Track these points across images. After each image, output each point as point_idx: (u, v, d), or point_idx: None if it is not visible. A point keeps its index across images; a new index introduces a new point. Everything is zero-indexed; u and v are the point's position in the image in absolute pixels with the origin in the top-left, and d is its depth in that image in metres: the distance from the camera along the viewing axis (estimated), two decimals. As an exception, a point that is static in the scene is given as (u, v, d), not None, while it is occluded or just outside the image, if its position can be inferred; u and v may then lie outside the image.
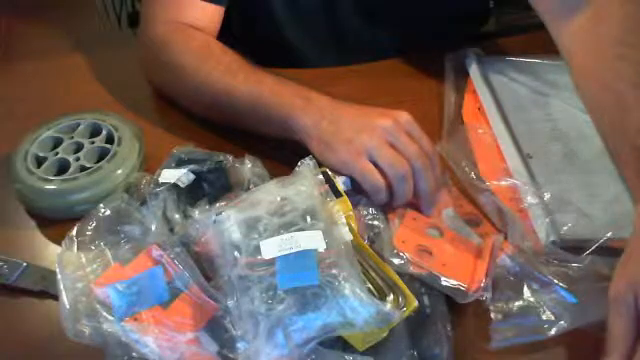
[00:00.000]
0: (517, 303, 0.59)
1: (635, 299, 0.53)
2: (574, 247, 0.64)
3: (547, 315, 0.59)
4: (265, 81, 0.73)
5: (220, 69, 0.75)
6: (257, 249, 0.54)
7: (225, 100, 0.74)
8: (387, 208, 0.66)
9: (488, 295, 0.59)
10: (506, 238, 0.65)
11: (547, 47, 0.76)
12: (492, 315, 0.59)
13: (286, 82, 0.73)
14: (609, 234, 0.64)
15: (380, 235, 0.62)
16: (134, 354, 0.53)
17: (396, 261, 0.59)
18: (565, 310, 0.59)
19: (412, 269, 0.59)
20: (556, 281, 0.61)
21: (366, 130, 0.66)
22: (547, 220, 0.66)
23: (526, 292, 0.60)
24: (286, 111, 0.70)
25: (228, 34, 0.86)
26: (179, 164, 0.68)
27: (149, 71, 0.86)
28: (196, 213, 0.61)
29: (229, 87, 0.74)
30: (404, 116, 0.67)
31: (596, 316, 0.57)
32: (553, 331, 0.58)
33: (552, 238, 0.65)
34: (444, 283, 0.59)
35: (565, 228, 0.66)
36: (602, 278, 0.60)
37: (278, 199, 0.58)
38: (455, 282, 0.59)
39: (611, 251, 0.63)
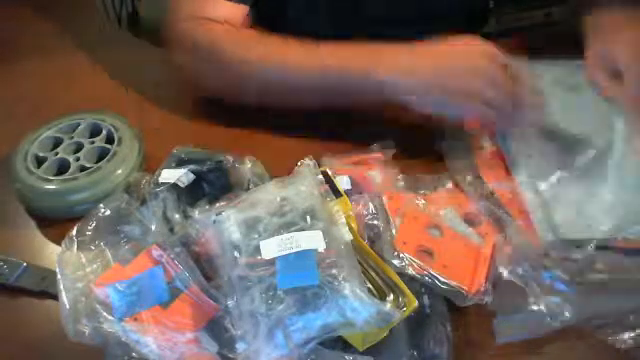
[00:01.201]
0: (519, 298, 0.59)
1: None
2: (573, 246, 0.64)
3: (550, 309, 0.59)
4: (320, 48, 0.71)
5: (267, 49, 0.73)
6: (257, 249, 0.54)
7: (281, 78, 0.72)
8: (388, 207, 0.66)
9: (488, 299, 0.59)
10: (506, 238, 0.65)
11: (547, 47, 0.76)
12: (495, 311, 0.59)
13: (342, 45, 0.71)
14: (608, 233, 0.65)
15: (380, 236, 0.62)
16: (134, 354, 0.53)
17: (397, 262, 0.59)
18: (567, 303, 0.59)
19: (413, 271, 0.59)
20: (557, 273, 0.61)
21: (469, 74, 0.68)
22: (546, 219, 0.66)
23: (528, 287, 0.60)
24: (362, 70, 0.69)
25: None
26: (179, 164, 0.68)
27: (186, 68, 0.83)
28: (196, 213, 0.61)
29: (285, 63, 0.72)
30: (494, 52, 0.69)
31: (598, 310, 0.58)
32: (557, 325, 0.58)
33: (551, 237, 0.65)
34: (444, 286, 0.59)
35: (564, 227, 0.66)
36: (598, 271, 0.60)
37: (278, 199, 0.58)
38: (455, 285, 0.59)
39: (609, 250, 0.63)
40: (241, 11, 0.82)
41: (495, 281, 0.60)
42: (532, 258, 0.62)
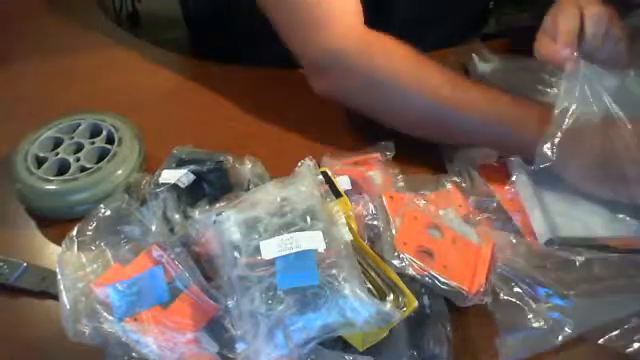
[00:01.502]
0: (519, 316, 0.59)
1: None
2: (571, 246, 0.64)
3: (550, 325, 0.59)
4: (501, 99, 0.69)
5: (447, 84, 0.70)
6: (257, 249, 0.54)
7: (455, 116, 0.70)
8: (388, 207, 0.66)
9: (488, 299, 0.59)
10: (505, 238, 0.65)
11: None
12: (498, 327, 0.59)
13: (523, 101, 0.70)
14: (606, 233, 0.65)
15: (381, 236, 0.62)
16: (134, 354, 0.53)
17: (397, 263, 0.59)
18: (567, 317, 0.59)
19: (413, 271, 0.59)
20: (553, 290, 0.61)
21: None
22: (545, 219, 0.66)
23: (525, 305, 0.60)
24: (530, 137, 0.67)
25: (229, 31, 0.85)
26: (179, 164, 0.68)
27: (342, 92, 0.76)
28: (196, 213, 0.61)
29: (463, 102, 0.69)
30: None
31: (599, 320, 0.58)
32: (559, 339, 0.58)
33: (549, 237, 0.65)
34: (445, 286, 0.59)
35: (562, 227, 0.66)
36: (599, 279, 0.60)
37: (278, 199, 0.58)
38: (456, 285, 0.59)
39: (608, 250, 0.63)
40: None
41: (493, 298, 0.60)
42: (525, 273, 0.62)
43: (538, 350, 0.58)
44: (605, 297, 0.59)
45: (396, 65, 0.72)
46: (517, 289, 0.61)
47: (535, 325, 0.59)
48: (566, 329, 0.58)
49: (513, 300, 0.60)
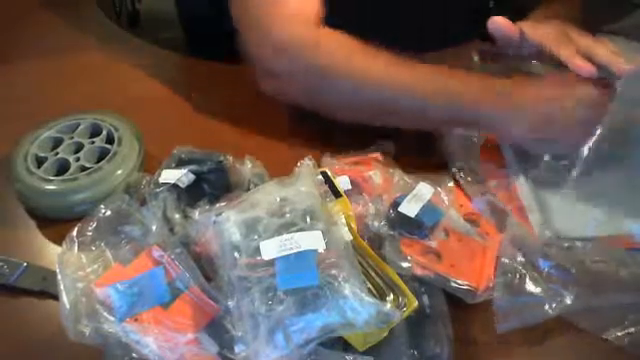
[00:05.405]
0: (519, 281, 0.60)
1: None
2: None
3: (549, 295, 0.59)
4: (442, 76, 0.71)
5: (384, 65, 0.71)
6: (257, 250, 0.54)
7: (395, 97, 0.71)
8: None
9: (497, 294, 0.59)
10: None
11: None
12: (495, 296, 0.59)
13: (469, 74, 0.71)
14: (605, 232, 0.65)
15: (386, 239, 0.62)
16: (134, 355, 0.53)
17: (404, 264, 0.59)
18: (566, 290, 0.59)
19: (420, 272, 0.59)
20: (556, 262, 0.61)
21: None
22: (544, 218, 0.66)
23: (528, 270, 0.61)
24: (481, 110, 0.69)
25: (224, 32, 0.84)
26: (179, 164, 0.68)
27: (284, 81, 0.76)
28: (196, 214, 0.61)
29: (405, 83, 0.70)
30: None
31: (597, 299, 0.58)
32: (556, 312, 0.58)
33: (548, 235, 0.65)
34: (453, 285, 0.59)
35: (561, 225, 0.66)
36: (598, 261, 0.61)
37: (278, 199, 0.58)
38: (464, 283, 0.59)
39: (606, 248, 0.63)
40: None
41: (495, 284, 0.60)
42: (531, 246, 0.62)
43: (534, 320, 0.58)
44: (606, 280, 0.60)
45: (339, 61, 0.72)
46: (520, 258, 0.61)
47: (534, 292, 0.59)
48: (566, 300, 0.58)
49: (514, 265, 0.61)
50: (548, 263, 0.61)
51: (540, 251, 0.62)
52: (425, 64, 0.72)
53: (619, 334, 0.58)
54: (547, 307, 0.58)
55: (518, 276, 0.60)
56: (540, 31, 0.72)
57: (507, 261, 0.61)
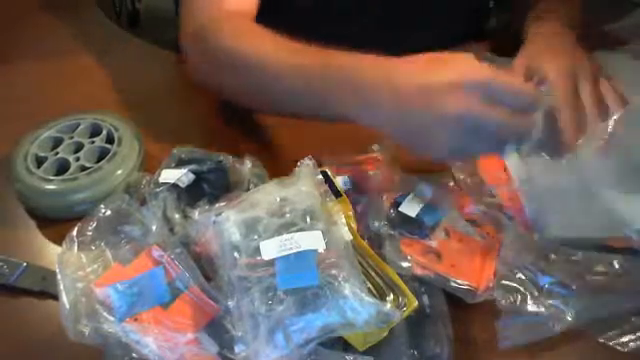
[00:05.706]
0: (521, 301, 0.60)
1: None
2: (570, 246, 0.64)
3: (551, 312, 0.59)
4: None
5: (272, 46, 0.69)
6: (257, 250, 0.54)
7: (277, 78, 0.68)
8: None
9: (497, 294, 0.59)
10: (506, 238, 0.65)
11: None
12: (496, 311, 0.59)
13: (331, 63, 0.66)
14: (604, 233, 0.65)
15: (386, 238, 0.62)
16: (134, 355, 0.53)
17: (404, 264, 0.59)
18: (568, 306, 0.59)
19: (420, 272, 0.59)
20: (555, 278, 0.61)
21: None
22: (543, 219, 0.66)
23: (529, 289, 0.60)
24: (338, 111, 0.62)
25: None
26: (179, 164, 0.68)
27: (198, 67, 0.78)
28: (196, 214, 0.61)
29: (288, 64, 0.67)
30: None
31: (599, 312, 0.58)
32: (558, 329, 0.58)
33: (548, 236, 0.65)
34: (453, 284, 0.59)
35: (561, 227, 0.66)
36: (598, 274, 0.61)
37: (278, 199, 0.58)
38: (464, 283, 0.59)
39: (606, 249, 0.63)
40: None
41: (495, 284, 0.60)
42: (530, 262, 0.62)
43: (537, 337, 0.58)
44: (607, 291, 0.59)
45: (230, 44, 0.71)
46: (520, 275, 0.61)
47: (536, 311, 0.59)
48: (567, 318, 0.58)
49: (515, 285, 0.60)
50: (548, 278, 0.61)
51: (540, 264, 0.62)
52: (319, 50, 0.67)
53: (622, 339, 0.58)
54: (550, 325, 0.58)
55: (519, 297, 0.60)
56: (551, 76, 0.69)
57: (505, 281, 0.60)
